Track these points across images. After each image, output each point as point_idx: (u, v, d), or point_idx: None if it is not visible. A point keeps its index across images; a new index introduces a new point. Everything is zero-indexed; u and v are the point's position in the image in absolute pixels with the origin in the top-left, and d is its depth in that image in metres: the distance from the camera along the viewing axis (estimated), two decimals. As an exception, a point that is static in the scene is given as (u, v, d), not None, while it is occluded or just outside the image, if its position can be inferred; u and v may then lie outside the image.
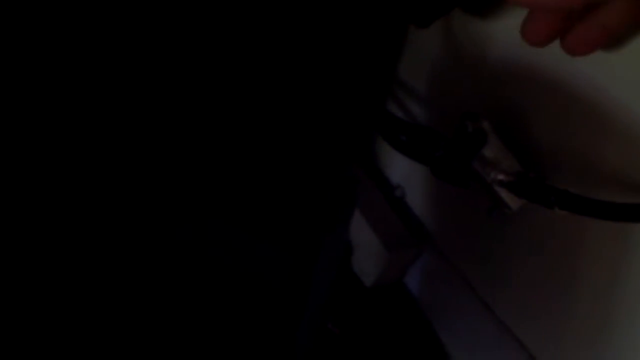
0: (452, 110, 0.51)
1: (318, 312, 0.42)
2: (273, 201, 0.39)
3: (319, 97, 0.50)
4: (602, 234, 0.45)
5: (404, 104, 0.60)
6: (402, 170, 0.65)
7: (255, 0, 0.46)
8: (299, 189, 0.40)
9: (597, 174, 0.44)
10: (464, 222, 0.58)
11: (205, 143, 0.40)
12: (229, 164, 0.40)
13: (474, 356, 0.61)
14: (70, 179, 0.38)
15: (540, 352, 0.54)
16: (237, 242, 0.38)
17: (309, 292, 0.38)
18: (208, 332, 0.39)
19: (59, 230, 0.39)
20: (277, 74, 0.47)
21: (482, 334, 0.59)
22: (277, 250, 0.37)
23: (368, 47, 0.59)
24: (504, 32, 0.50)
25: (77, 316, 0.39)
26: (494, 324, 0.57)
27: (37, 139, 0.38)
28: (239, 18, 0.45)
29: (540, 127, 0.47)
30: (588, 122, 0.44)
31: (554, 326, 0.51)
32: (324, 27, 0.52)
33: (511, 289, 0.55)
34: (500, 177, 0.44)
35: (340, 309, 0.62)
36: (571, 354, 0.51)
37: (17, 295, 0.39)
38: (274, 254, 0.37)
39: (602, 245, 0.45)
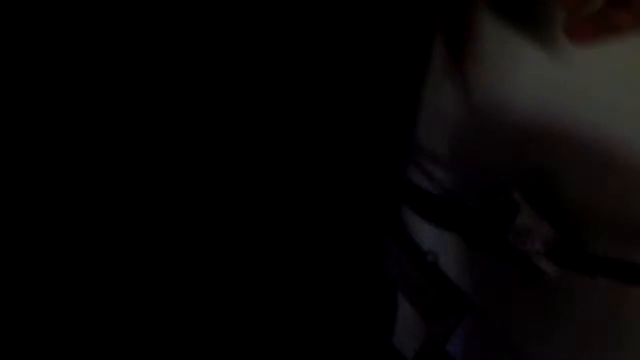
0: (478, 175, 0.49)
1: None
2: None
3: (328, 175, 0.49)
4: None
5: (428, 171, 0.59)
6: (433, 236, 0.63)
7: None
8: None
9: (636, 235, 0.42)
10: (502, 287, 0.56)
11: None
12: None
13: None
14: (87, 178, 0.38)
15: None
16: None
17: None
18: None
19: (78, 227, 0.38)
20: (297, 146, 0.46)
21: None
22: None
23: (378, 112, 0.58)
24: (525, 91, 0.49)
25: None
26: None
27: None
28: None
29: (572, 189, 0.46)
30: (622, 180, 0.43)
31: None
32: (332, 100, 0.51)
33: (557, 352, 0.53)
34: (537, 246, 0.43)
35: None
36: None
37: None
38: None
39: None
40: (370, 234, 0.52)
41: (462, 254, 0.60)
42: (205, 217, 0.39)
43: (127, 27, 0.39)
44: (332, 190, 0.47)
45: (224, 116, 0.41)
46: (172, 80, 0.40)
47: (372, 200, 0.55)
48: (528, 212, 0.43)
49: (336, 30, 0.46)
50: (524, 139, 0.49)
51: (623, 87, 0.41)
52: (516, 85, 0.49)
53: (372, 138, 0.58)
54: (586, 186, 0.45)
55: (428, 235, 0.64)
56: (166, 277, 0.39)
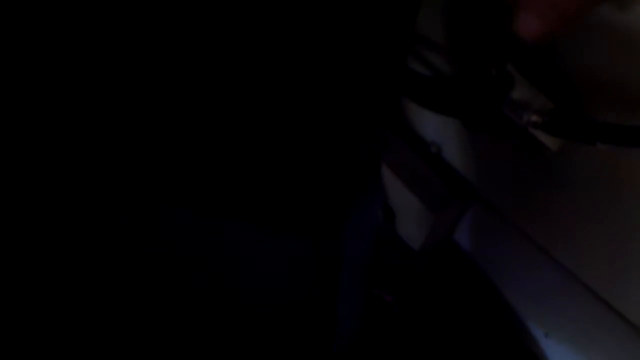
0: (476, 57, 0.48)
1: (361, 283, 0.41)
2: (288, 186, 0.37)
3: (338, 64, 0.48)
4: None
5: (426, 59, 0.58)
6: (434, 126, 0.62)
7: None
8: (319, 164, 0.39)
9: (634, 101, 0.41)
10: (505, 170, 0.55)
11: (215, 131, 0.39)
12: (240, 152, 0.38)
13: (538, 302, 0.59)
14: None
15: (606, 292, 0.51)
16: (257, 239, 0.37)
17: (341, 269, 0.37)
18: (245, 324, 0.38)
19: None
20: (293, 40, 0.45)
21: (541, 278, 0.57)
22: (299, 236, 0.36)
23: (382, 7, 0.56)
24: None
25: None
26: (552, 267, 0.55)
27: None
28: None
29: (568, 58, 0.45)
30: (618, 43, 0.41)
31: (613, 260, 0.49)
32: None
33: (563, 230, 0.53)
34: (534, 118, 0.42)
35: (392, 276, 0.60)
36: (632, 284, 0.48)
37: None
38: (297, 241, 0.36)
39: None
40: (372, 128, 0.51)
41: (464, 142, 0.59)
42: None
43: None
44: (330, 85, 0.46)
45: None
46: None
47: (373, 92, 0.54)
48: (523, 84, 0.42)
49: None
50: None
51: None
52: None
53: (372, 29, 0.56)
54: (581, 54, 0.44)
55: (430, 127, 0.63)
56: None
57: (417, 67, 0.57)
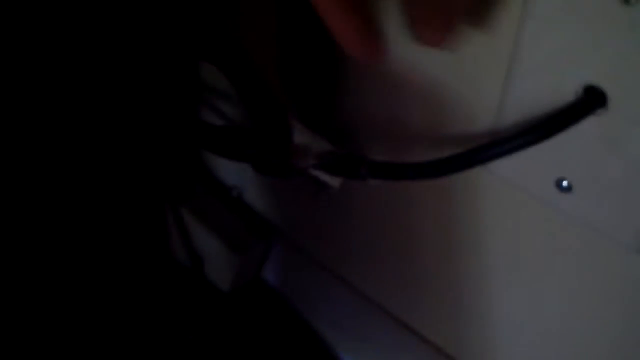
0: (260, 106, 0.51)
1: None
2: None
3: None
4: (425, 191, 0.47)
5: (215, 107, 0.60)
6: (234, 171, 0.65)
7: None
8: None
9: (406, 138, 0.46)
10: (301, 207, 0.59)
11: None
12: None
13: (346, 332, 0.62)
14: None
15: (404, 314, 0.56)
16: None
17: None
18: None
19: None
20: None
21: (343, 306, 0.60)
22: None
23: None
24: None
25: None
26: (352, 294, 0.58)
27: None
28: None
29: (343, 103, 0.49)
30: (387, 89, 0.46)
31: (406, 282, 0.53)
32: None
33: (360, 258, 0.57)
34: (314, 161, 0.45)
35: (201, 318, 0.62)
36: (428, 307, 0.53)
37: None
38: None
39: (429, 201, 0.47)
40: (171, 178, 0.52)
41: (262, 184, 0.62)
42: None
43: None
44: (129, 141, 0.47)
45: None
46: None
47: (170, 145, 0.55)
48: (300, 130, 0.45)
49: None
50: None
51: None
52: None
53: (161, 84, 0.58)
54: (356, 99, 0.48)
55: (230, 172, 0.66)
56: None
57: (207, 117, 0.59)
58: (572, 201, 0.40)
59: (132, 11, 0.48)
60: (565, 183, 0.40)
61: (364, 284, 0.58)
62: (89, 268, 0.41)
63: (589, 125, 0.35)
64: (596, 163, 0.37)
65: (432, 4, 0.31)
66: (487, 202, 0.45)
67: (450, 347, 0.54)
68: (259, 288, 0.66)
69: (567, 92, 0.36)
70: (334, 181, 0.46)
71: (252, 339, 0.63)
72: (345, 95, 0.49)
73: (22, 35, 0.38)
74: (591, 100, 0.35)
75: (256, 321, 0.64)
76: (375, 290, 0.58)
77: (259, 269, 0.66)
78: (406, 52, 0.42)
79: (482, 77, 0.40)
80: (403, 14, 0.33)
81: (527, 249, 0.44)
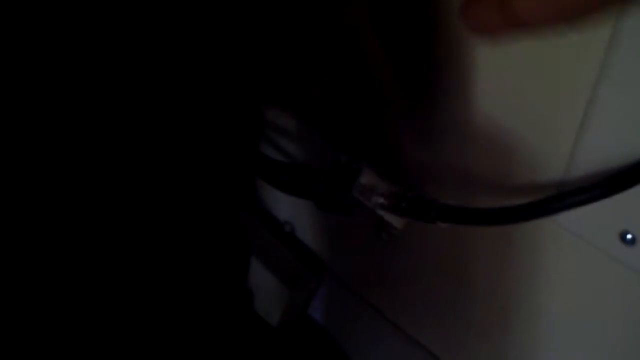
0: (322, 143, 0.52)
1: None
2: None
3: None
4: (487, 238, 0.48)
5: (278, 144, 0.62)
6: (288, 206, 0.66)
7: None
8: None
9: (473, 184, 0.46)
10: (356, 246, 0.60)
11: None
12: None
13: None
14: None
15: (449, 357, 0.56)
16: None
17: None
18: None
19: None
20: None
21: (391, 349, 0.61)
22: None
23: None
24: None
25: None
26: (403, 340, 0.59)
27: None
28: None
29: (412, 146, 0.50)
30: (457, 135, 0.47)
31: (458, 329, 0.54)
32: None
33: (412, 303, 0.57)
34: (381, 200, 0.46)
35: (251, 352, 0.62)
36: (475, 353, 0.53)
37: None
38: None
39: (489, 248, 0.48)
40: (228, 212, 0.53)
41: (316, 221, 0.63)
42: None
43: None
44: (187, 169, 0.48)
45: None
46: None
47: (227, 177, 0.56)
48: (368, 172, 0.46)
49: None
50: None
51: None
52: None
53: (225, 115, 0.59)
54: (425, 142, 0.49)
55: (284, 208, 0.67)
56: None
57: (271, 153, 0.61)
58: (636, 254, 0.40)
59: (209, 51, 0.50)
60: (629, 236, 0.40)
61: (413, 329, 0.58)
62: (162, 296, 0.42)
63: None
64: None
65: None
66: (549, 252, 0.45)
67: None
68: (306, 324, 0.66)
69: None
70: (398, 222, 0.47)
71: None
72: (418, 143, 0.50)
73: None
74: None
75: (302, 357, 0.64)
76: (424, 336, 0.58)
77: (307, 304, 0.66)
78: (482, 102, 0.43)
79: (555, 129, 0.40)
80: None
81: (586, 300, 0.45)
